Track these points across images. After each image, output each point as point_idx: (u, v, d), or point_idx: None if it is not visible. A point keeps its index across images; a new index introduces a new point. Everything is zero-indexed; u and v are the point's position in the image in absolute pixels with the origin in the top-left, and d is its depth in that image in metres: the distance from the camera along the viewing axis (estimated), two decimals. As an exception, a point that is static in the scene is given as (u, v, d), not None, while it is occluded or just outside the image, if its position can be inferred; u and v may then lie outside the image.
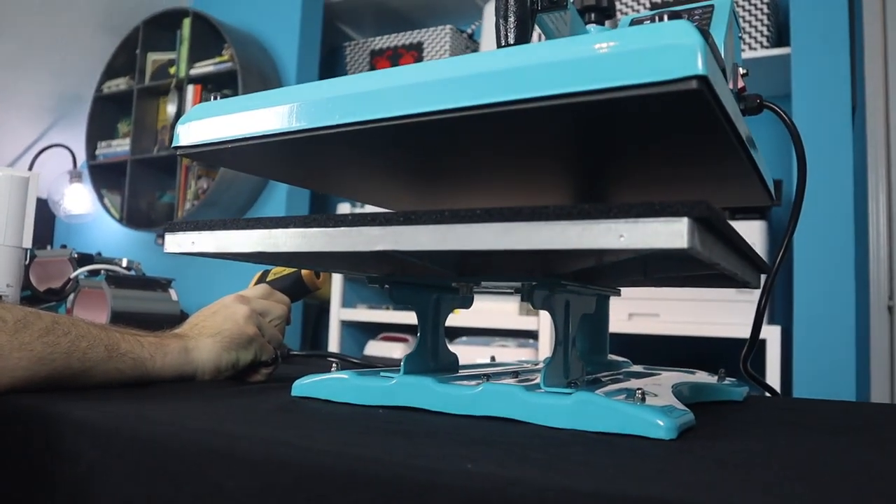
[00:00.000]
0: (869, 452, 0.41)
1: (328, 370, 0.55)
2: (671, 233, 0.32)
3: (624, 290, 0.67)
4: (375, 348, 2.32)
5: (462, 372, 0.58)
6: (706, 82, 0.32)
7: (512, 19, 0.53)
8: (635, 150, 0.45)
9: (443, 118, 0.37)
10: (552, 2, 0.55)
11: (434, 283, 0.57)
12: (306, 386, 0.55)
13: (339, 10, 2.82)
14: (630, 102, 0.34)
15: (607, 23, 0.61)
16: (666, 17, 0.34)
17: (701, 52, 0.31)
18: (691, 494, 0.28)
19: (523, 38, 0.52)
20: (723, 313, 1.80)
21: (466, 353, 2.06)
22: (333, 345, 2.37)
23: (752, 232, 1.78)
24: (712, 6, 0.64)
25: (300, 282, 0.79)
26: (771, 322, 1.83)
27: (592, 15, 0.63)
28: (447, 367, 0.59)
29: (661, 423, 0.41)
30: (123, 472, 0.41)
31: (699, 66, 0.31)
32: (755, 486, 0.30)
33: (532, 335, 2.11)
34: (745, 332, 1.01)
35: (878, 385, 1.96)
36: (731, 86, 0.60)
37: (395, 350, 2.26)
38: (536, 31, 0.55)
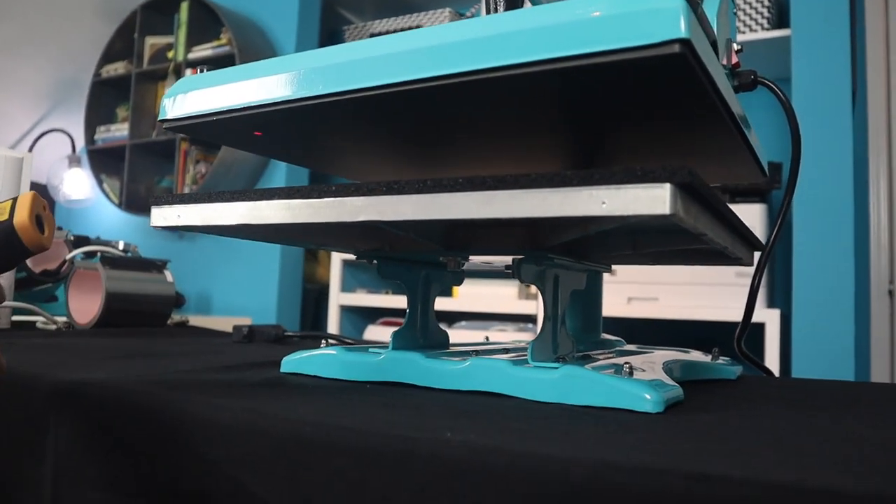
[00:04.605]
0: (855, 424, 0.41)
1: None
2: (653, 198, 0.31)
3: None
4: (375, 333, 2.32)
5: (453, 349, 0.58)
6: (689, 46, 0.31)
7: (502, -9, 0.53)
8: (624, 121, 0.45)
9: (424, 87, 0.37)
10: (543, -25, 0.55)
11: (423, 259, 0.57)
12: (295, 362, 0.55)
13: (339, -6, 2.81)
14: (614, 68, 0.33)
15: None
16: (651, -19, 0.33)
17: (684, 15, 0.31)
18: (666, 462, 0.27)
19: (513, 8, 0.51)
20: (722, 297, 1.79)
21: (466, 337, 2.07)
22: (333, 329, 2.38)
23: (753, 215, 1.78)
24: (707, -19, 0.63)
25: (12, 237, 0.54)
26: (770, 306, 1.83)
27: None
28: (437, 345, 0.59)
29: (648, 396, 0.41)
30: (111, 442, 0.41)
31: (682, 30, 0.31)
32: (733, 455, 0.30)
33: (531, 319, 2.11)
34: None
35: (878, 369, 1.96)
36: (724, 61, 0.60)
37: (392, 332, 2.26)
38: (528, 3, 0.55)
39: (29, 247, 0.53)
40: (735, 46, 0.63)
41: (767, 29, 1.93)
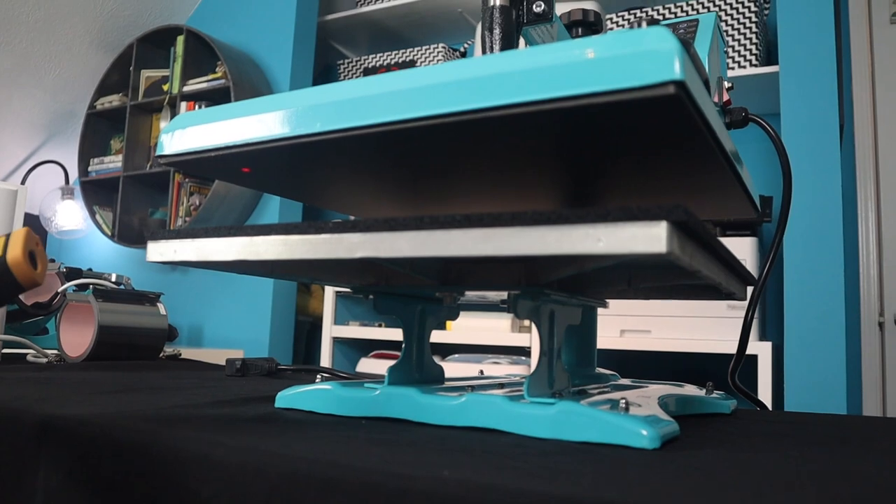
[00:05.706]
0: (849, 461, 0.41)
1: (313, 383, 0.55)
2: (649, 237, 0.31)
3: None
4: (368, 365, 2.31)
5: (448, 384, 0.58)
6: (684, 88, 0.32)
7: (497, 31, 0.54)
8: (619, 159, 0.46)
9: (420, 126, 0.37)
10: (538, 15, 0.56)
11: (419, 294, 0.57)
12: (290, 397, 0.54)
13: (333, 29, 2.84)
14: (609, 108, 0.34)
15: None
16: (644, 23, 0.34)
17: (678, 57, 0.32)
18: (668, 501, 0.27)
19: (509, 49, 0.52)
20: (715, 329, 1.80)
21: (460, 370, 2.06)
22: (326, 361, 2.36)
23: (743, 248, 1.79)
24: (697, 21, 0.65)
25: (6, 273, 0.54)
26: (763, 338, 1.83)
27: (580, 30, 0.63)
28: (432, 379, 0.58)
29: (644, 432, 0.41)
30: (103, 479, 0.40)
31: (676, 71, 0.31)
32: (729, 493, 0.30)
33: (525, 352, 2.11)
34: (736, 347, 1.01)
35: (869, 400, 1.96)
36: (715, 99, 0.61)
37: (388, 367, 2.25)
38: (523, 44, 0.56)
39: (22, 283, 0.54)
40: (726, 84, 0.65)
41: (756, 65, 1.97)
